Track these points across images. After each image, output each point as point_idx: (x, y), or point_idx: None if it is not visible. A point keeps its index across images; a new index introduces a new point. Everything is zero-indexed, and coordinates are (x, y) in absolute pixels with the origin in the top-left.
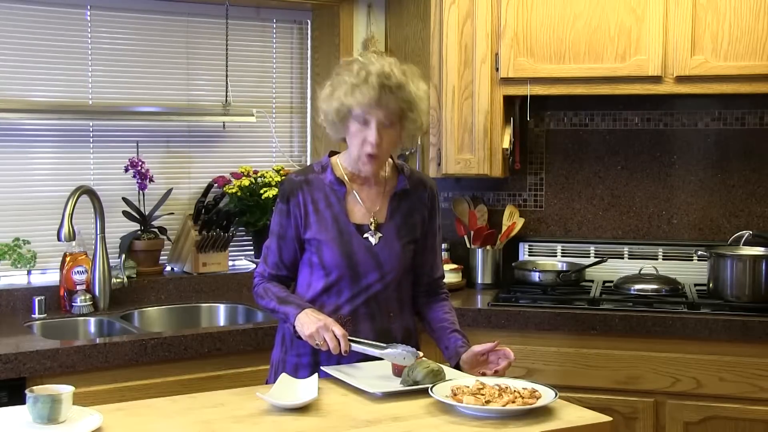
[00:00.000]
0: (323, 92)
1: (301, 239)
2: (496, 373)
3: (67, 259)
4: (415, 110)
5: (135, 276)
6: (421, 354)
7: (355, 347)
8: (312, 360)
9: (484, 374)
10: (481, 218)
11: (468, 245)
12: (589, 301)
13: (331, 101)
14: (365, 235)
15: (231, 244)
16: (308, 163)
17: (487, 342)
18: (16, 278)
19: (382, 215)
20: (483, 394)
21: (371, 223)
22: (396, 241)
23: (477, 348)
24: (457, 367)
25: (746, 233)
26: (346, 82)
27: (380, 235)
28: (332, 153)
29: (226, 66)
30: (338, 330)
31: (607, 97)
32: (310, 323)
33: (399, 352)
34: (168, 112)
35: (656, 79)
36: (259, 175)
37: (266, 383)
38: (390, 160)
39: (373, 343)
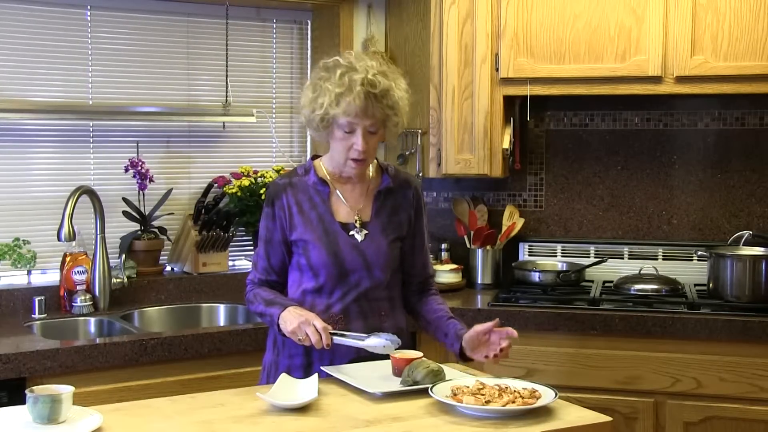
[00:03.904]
0: (305, 95)
1: (287, 242)
2: (502, 352)
3: (67, 259)
4: (398, 113)
5: (135, 276)
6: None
7: (337, 340)
8: (305, 361)
9: (487, 357)
10: (481, 218)
11: (468, 245)
12: (589, 301)
13: (314, 107)
14: (351, 233)
15: (231, 244)
16: None
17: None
18: (16, 278)
19: (367, 213)
20: (483, 394)
21: (356, 221)
22: (382, 238)
23: (478, 327)
24: (461, 351)
25: (746, 233)
26: (330, 91)
27: (366, 232)
28: (315, 156)
29: (226, 66)
30: (319, 323)
31: (607, 97)
32: (292, 319)
33: (379, 342)
34: (168, 112)
35: (656, 80)
36: (259, 175)
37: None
38: (374, 159)
39: (355, 334)
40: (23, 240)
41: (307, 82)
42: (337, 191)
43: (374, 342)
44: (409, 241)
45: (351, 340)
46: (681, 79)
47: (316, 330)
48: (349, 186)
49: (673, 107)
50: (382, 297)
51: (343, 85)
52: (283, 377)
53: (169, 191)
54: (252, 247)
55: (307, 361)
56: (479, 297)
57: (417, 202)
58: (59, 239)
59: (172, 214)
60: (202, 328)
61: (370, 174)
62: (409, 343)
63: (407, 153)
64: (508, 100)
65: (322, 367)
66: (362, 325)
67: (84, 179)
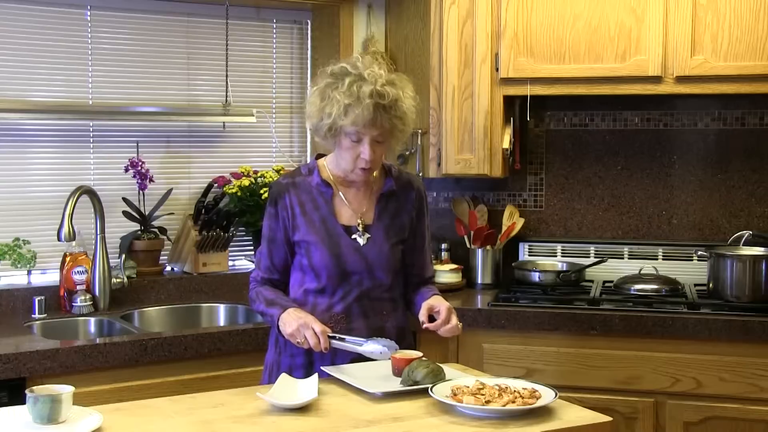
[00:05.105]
0: (311, 101)
1: (290, 242)
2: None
3: (67, 259)
4: (406, 123)
5: (135, 276)
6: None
7: (336, 344)
8: (306, 360)
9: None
10: (481, 218)
11: (468, 245)
12: (589, 301)
13: (321, 116)
14: (353, 236)
15: (231, 244)
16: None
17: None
18: (16, 278)
19: (370, 216)
20: (483, 394)
21: (359, 224)
22: (384, 242)
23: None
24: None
25: (746, 233)
26: (338, 101)
27: (368, 236)
28: (319, 156)
29: (226, 66)
30: (318, 327)
31: (607, 98)
32: (291, 322)
33: (377, 348)
34: (168, 112)
35: (656, 79)
36: (259, 175)
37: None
38: None
39: (353, 339)
40: (23, 240)
41: (313, 88)
42: (340, 193)
43: (372, 348)
44: (410, 242)
45: (349, 344)
46: (681, 79)
47: (315, 333)
48: (352, 188)
49: (673, 107)
50: (384, 297)
51: (351, 96)
52: (283, 377)
53: (169, 191)
54: (252, 247)
55: (309, 360)
56: (479, 297)
57: (419, 203)
58: (59, 239)
59: (172, 214)
60: (202, 328)
61: (374, 175)
62: (410, 343)
63: (407, 153)
64: (508, 100)
65: (322, 367)
66: (364, 324)
67: (84, 179)
